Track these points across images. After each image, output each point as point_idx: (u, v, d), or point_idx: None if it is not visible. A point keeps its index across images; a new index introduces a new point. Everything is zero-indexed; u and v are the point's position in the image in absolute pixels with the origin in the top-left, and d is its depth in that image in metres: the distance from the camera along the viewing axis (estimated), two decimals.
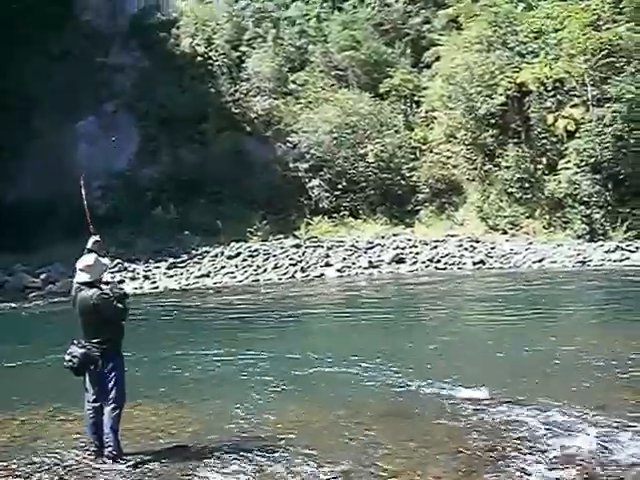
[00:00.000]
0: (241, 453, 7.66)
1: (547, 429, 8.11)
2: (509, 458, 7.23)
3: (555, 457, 7.20)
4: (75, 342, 7.60)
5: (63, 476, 7.23)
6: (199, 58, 40.07)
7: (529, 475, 6.79)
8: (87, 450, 7.73)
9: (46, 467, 7.49)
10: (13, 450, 8.11)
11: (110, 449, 7.43)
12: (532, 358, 12.15)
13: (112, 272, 7.94)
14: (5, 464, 7.59)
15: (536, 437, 7.85)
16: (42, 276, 27.23)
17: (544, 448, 7.49)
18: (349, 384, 10.80)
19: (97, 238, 8.06)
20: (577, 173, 30.29)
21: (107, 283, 7.72)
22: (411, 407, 9.30)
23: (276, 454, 7.59)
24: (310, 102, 37.99)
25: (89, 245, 8.04)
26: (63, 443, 8.21)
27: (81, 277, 7.68)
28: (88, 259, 7.72)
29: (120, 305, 7.56)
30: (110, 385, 7.51)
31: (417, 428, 8.40)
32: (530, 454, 7.31)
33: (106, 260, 8.11)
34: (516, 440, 7.77)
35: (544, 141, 32.30)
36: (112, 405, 7.49)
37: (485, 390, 9.80)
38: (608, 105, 30.02)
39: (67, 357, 7.56)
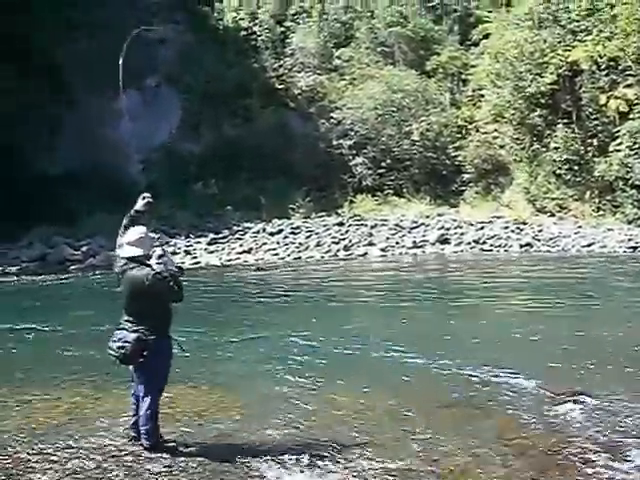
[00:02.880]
0: (290, 444, 7.22)
1: (618, 427, 7.61)
2: (581, 458, 6.71)
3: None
4: (124, 327, 6.89)
5: (101, 463, 6.76)
6: (243, 33, 39.63)
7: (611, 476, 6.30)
8: (127, 435, 7.26)
9: (83, 453, 7.02)
10: (49, 433, 7.66)
11: (147, 443, 6.95)
12: (585, 347, 11.59)
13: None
14: (40, 448, 7.18)
15: (607, 435, 7.34)
16: (83, 249, 27.09)
17: (619, 449, 6.97)
18: (397, 370, 10.32)
19: (149, 198, 7.28)
20: (629, 156, 29.31)
21: (160, 257, 6.82)
22: (467, 398, 8.81)
23: (326, 446, 7.13)
24: (355, 79, 37.37)
25: (139, 206, 7.24)
26: (102, 426, 7.71)
27: (130, 252, 6.89)
28: (138, 231, 6.94)
29: (176, 286, 6.76)
30: (153, 374, 6.91)
31: (478, 422, 7.91)
32: (605, 452, 6.80)
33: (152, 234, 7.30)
34: (587, 439, 7.25)
35: (595, 122, 31.36)
36: (150, 398, 6.90)
37: (546, 378, 9.32)
38: None
39: (117, 344, 6.82)
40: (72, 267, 25.37)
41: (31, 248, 27.28)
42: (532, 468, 6.52)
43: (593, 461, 6.65)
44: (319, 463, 6.71)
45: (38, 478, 6.41)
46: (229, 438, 7.47)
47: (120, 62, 7.69)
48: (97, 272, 23.23)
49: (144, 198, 7.30)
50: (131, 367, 7.00)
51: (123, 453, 6.94)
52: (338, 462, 6.74)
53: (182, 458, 6.82)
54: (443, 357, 10.78)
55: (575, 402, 8.44)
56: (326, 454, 6.92)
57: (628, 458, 6.70)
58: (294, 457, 6.83)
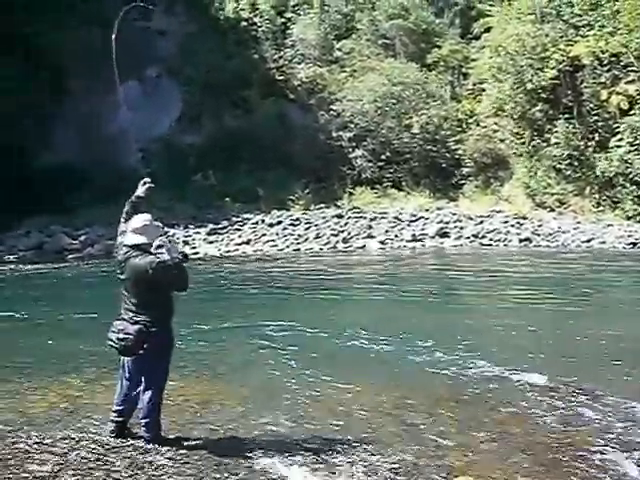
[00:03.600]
0: (293, 438, 7.13)
1: (621, 421, 7.57)
2: (587, 454, 6.66)
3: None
4: (125, 317, 6.72)
5: (102, 455, 6.65)
6: (243, 23, 39.38)
7: (620, 473, 6.25)
8: (112, 422, 7.09)
9: (83, 444, 6.90)
10: (49, 423, 7.56)
11: (148, 435, 6.85)
12: (585, 343, 11.56)
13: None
14: (39, 439, 7.06)
15: (612, 430, 7.29)
16: (81, 238, 27.02)
17: (625, 442, 6.93)
18: (398, 363, 10.29)
19: (150, 183, 7.16)
20: (630, 152, 29.26)
21: (158, 247, 6.54)
22: (471, 392, 8.75)
23: (331, 440, 7.04)
24: (355, 71, 37.21)
25: (140, 192, 7.13)
26: (102, 416, 7.54)
27: (134, 239, 6.72)
28: (143, 218, 6.79)
29: (182, 274, 6.59)
30: (154, 366, 6.79)
31: (482, 416, 7.85)
32: (613, 450, 6.75)
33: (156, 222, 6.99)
34: (593, 434, 7.19)
35: (596, 118, 31.27)
36: (151, 391, 6.79)
37: (550, 374, 9.27)
38: None
39: (117, 335, 6.65)
40: (70, 256, 25.32)
41: (28, 237, 27.19)
42: (537, 464, 6.47)
43: (599, 457, 6.59)
44: (323, 457, 6.63)
45: (38, 469, 6.32)
46: (231, 431, 7.39)
47: (113, 44, 7.52)
48: (95, 261, 23.10)
49: (145, 184, 7.21)
50: (127, 358, 6.86)
51: (124, 445, 6.85)
52: (342, 456, 6.65)
53: (184, 450, 6.74)
54: (444, 351, 10.74)
55: (580, 397, 8.39)
56: (330, 448, 6.83)
57: (635, 454, 6.64)
58: (298, 450, 6.76)
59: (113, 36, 7.73)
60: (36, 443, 6.95)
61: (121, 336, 6.64)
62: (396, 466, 6.44)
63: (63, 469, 6.33)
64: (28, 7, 31.54)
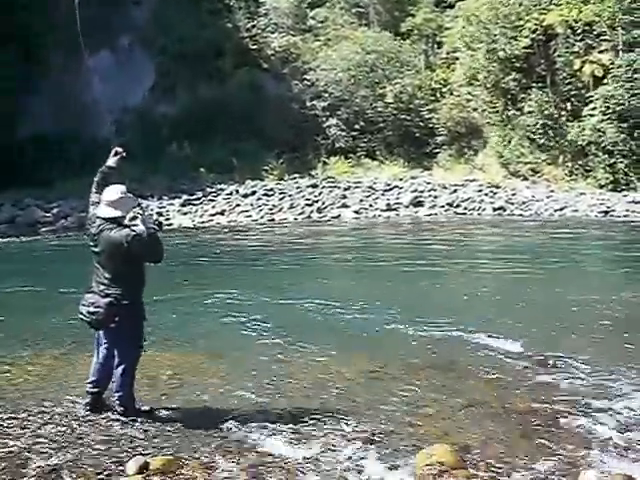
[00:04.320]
0: (270, 409, 7.14)
1: (593, 388, 7.67)
2: (561, 421, 6.74)
3: (618, 421, 6.75)
4: (96, 290, 6.62)
5: (76, 428, 6.62)
6: None
7: (591, 438, 6.34)
8: (86, 394, 7.04)
9: (57, 418, 6.88)
10: (22, 398, 7.48)
11: (121, 409, 6.81)
12: (559, 310, 11.65)
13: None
14: (13, 413, 7.02)
15: (585, 396, 7.39)
16: (54, 211, 26.80)
17: (600, 409, 7.03)
18: (375, 333, 10.30)
19: (121, 152, 7.01)
20: (602, 121, 29.51)
21: (132, 219, 6.46)
22: (448, 360, 8.76)
23: (307, 410, 7.05)
24: (329, 40, 37.06)
25: (111, 162, 7.01)
26: (75, 391, 7.45)
27: (108, 212, 6.55)
28: (118, 190, 6.65)
29: (157, 246, 6.51)
30: (127, 339, 6.73)
31: (459, 384, 7.90)
32: (585, 415, 6.84)
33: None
34: (567, 401, 7.27)
35: (569, 87, 31.48)
36: (124, 364, 6.75)
37: (524, 340, 9.37)
38: (639, 50, 29.06)
39: (88, 309, 6.57)
40: (43, 229, 25.11)
41: (0, 210, 26.89)
42: (513, 430, 6.54)
43: (572, 423, 6.68)
44: (301, 427, 6.65)
45: (12, 444, 6.30)
46: (206, 402, 7.38)
47: (77, 11, 7.37)
48: (70, 234, 22.94)
49: (116, 153, 7.09)
50: (101, 331, 6.82)
51: (98, 418, 6.83)
52: (317, 426, 6.68)
53: (158, 423, 6.72)
54: (418, 319, 10.76)
55: (554, 364, 8.48)
56: (308, 418, 6.85)
57: (606, 419, 6.74)
58: (275, 422, 6.75)
59: (76, 1, 7.57)
60: (10, 418, 6.91)
61: (92, 309, 6.56)
62: (371, 434, 6.48)
63: (38, 444, 6.31)
64: None
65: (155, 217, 6.90)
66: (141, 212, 6.56)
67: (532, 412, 6.95)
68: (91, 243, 6.74)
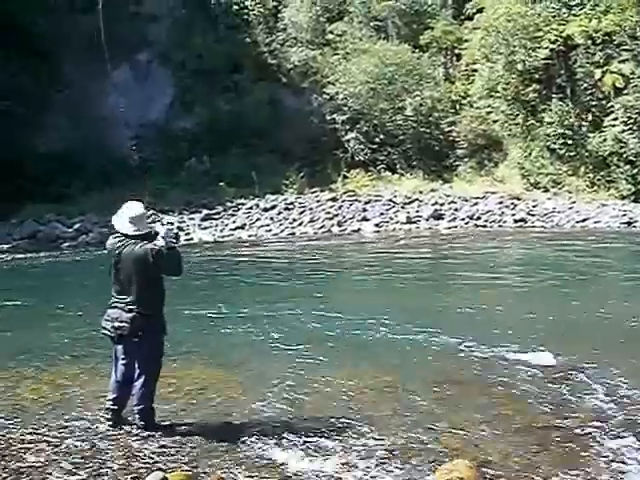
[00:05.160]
0: (287, 423, 7.12)
1: (617, 404, 7.56)
2: (582, 434, 6.66)
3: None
4: (119, 305, 6.72)
5: (96, 444, 6.65)
6: (235, 7, 39.11)
7: (613, 455, 6.25)
8: (107, 410, 7.08)
9: (77, 433, 6.90)
10: (43, 412, 7.54)
11: (141, 423, 6.84)
12: (584, 323, 11.53)
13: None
14: (33, 428, 7.05)
15: (609, 412, 7.29)
16: (76, 226, 26.92)
17: (623, 425, 6.92)
18: (392, 347, 10.23)
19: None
20: (624, 131, 29.29)
21: (156, 233, 6.71)
22: (467, 374, 8.73)
23: (325, 425, 7.03)
24: (348, 53, 36.95)
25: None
26: (95, 405, 7.50)
27: (129, 229, 6.72)
28: (137, 206, 6.80)
29: (177, 259, 6.69)
30: (148, 352, 6.77)
31: (477, 398, 7.84)
32: (607, 432, 6.74)
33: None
34: (588, 415, 7.19)
35: (590, 97, 31.23)
36: (144, 377, 6.80)
37: (548, 355, 9.26)
38: None
39: (113, 324, 6.70)
40: (64, 244, 25.23)
41: (22, 226, 27.06)
42: (533, 444, 6.47)
43: (594, 437, 6.60)
44: (319, 442, 6.63)
45: (32, 459, 6.32)
46: (226, 416, 7.38)
47: (101, 28, 7.43)
48: (91, 249, 23.04)
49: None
50: (120, 346, 6.85)
51: (118, 433, 6.85)
52: (337, 440, 6.66)
53: (178, 437, 6.73)
54: (438, 333, 10.70)
55: (578, 378, 8.39)
56: (326, 433, 6.83)
57: (629, 436, 6.64)
58: (294, 437, 6.74)
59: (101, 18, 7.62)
60: (30, 433, 6.94)
61: (117, 324, 6.67)
62: (390, 449, 6.44)
63: (58, 458, 6.33)
64: None
65: (172, 229, 6.96)
66: (161, 227, 6.78)
67: (553, 427, 6.88)
68: (112, 259, 6.81)
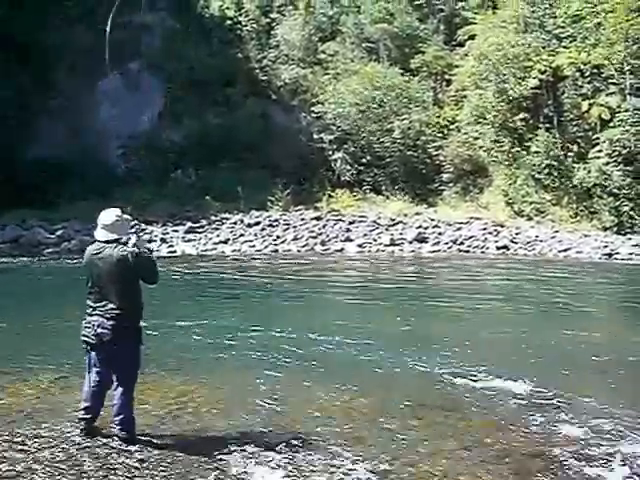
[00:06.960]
0: (268, 440, 7.08)
1: (595, 432, 7.59)
2: (562, 463, 6.68)
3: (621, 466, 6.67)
4: (99, 312, 6.66)
5: (73, 454, 6.57)
6: (228, 22, 39.26)
7: None
8: (79, 420, 7.01)
9: (54, 442, 6.82)
10: (19, 420, 7.45)
11: (122, 433, 6.78)
12: (563, 351, 11.58)
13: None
14: (9, 437, 6.96)
15: (587, 440, 7.32)
16: (58, 232, 26.79)
17: (598, 454, 6.95)
18: (374, 370, 10.23)
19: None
20: (608, 163, 29.54)
21: (128, 241, 6.76)
22: (448, 400, 8.73)
23: (307, 444, 7.01)
24: (338, 73, 37.18)
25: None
26: (71, 415, 7.36)
27: (103, 235, 6.75)
28: (112, 213, 6.82)
29: (154, 266, 6.80)
30: (128, 360, 6.75)
31: (458, 424, 7.85)
32: (586, 459, 6.77)
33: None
34: (567, 443, 7.21)
35: (576, 128, 31.56)
36: (124, 386, 6.76)
37: (525, 382, 9.30)
38: None
39: (95, 330, 6.65)
40: (47, 250, 25.12)
41: (5, 230, 26.93)
42: (513, 472, 6.49)
43: (574, 466, 6.62)
44: (298, 461, 6.61)
45: (8, 469, 6.24)
46: (206, 432, 7.34)
47: (106, 39, 7.46)
48: (73, 256, 22.90)
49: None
50: (94, 354, 6.78)
51: (95, 444, 6.78)
52: (318, 461, 6.64)
53: (156, 451, 6.68)
54: (421, 358, 10.72)
55: (558, 406, 8.42)
56: (306, 453, 6.81)
57: (610, 464, 6.67)
58: (273, 456, 6.72)
59: (107, 29, 7.63)
60: (6, 442, 6.86)
61: (99, 331, 6.62)
62: (371, 471, 6.43)
63: (34, 469, 6.25)
64: (12, 4, 31.44)
65: (146, 238, 7.02)
66: (135, 237, 6.81)
67: (533, 455, 6.89)
68: (90, 265, 6.81)
